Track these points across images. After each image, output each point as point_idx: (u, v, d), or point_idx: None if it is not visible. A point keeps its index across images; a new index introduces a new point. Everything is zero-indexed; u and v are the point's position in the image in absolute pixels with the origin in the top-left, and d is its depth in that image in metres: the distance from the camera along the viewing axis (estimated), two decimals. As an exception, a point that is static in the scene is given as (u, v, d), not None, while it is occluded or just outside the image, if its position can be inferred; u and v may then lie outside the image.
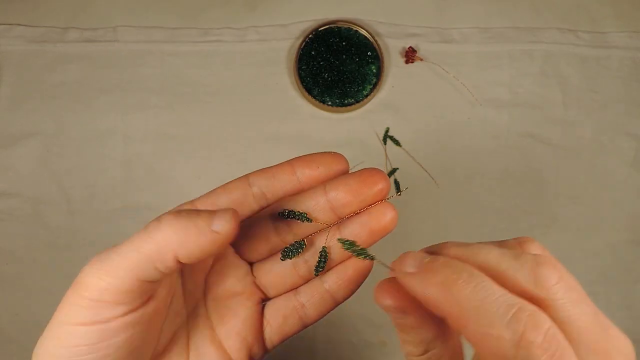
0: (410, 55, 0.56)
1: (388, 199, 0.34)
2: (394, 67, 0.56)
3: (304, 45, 0.55)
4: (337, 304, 0.33)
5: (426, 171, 0.55)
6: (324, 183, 0.32)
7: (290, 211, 0.31)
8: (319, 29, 0.55)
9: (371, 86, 0.55)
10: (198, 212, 0.27)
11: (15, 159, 0.54)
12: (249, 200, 0.31)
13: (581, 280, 0.57)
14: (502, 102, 0.56)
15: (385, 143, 0.56)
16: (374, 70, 0.55)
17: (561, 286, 0.25)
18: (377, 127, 0.56)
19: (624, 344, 0.26)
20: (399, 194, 0.56)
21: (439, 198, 0.55)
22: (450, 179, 0.55)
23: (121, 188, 0.54)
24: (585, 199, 0.55)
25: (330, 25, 0.55)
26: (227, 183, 0.32)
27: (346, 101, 0.55)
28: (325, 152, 0.32)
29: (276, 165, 0.32)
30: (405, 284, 0.25)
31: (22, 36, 0.56)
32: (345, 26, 0.55)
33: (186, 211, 0.27)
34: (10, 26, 0.56)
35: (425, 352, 0.27)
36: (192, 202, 0.31)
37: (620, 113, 0.56)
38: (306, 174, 0.31)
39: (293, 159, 0.32)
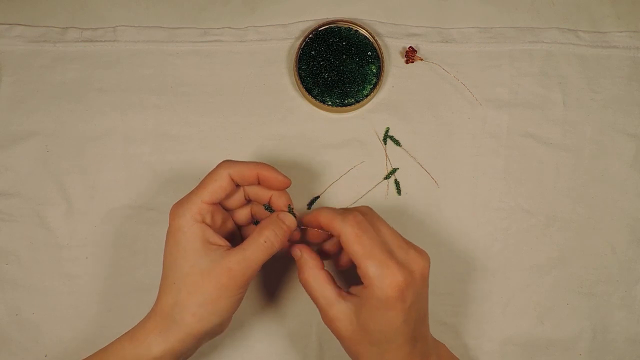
0: (410, 55, 0.56)
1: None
2: (394, 67, 0.56)
3: (304, 45, 0.55)
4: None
5: (426, 171, 0.55)
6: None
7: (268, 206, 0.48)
8: (319, 29, 0.55)
9: (371, 86, 0.55)
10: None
11: (15, 159, 0.54)
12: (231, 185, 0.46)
13: (581, 280, 0.57)
14: (502, 102, 0.56)
15: (385, 143, 0.56)
16: (374, 70, 0.55)
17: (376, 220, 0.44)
18: (377, 127, 0.56)
19: (419, 261, 0.43)
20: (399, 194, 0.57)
21: (439, 198, 0.55)
22: (450, 179, 0.55)
23: (121, 188, 0.54)
24: (585, 199, 0.55)
25: (330, 25, 0.55)
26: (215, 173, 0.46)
27: (346, 101, 0.55)
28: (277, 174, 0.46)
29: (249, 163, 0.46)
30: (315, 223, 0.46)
31: (22, 36, 0.56)
32: (345, 26, 0.55)
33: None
34: (10, 26, 0.56)
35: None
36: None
37: (620, 113, 0.56)
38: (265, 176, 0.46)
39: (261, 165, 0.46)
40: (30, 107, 0.55)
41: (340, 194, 0.55)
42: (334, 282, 0.45)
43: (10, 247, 0.53)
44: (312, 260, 0.45)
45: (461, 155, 0.55)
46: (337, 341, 0.53)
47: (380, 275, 0.41)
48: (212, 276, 0.43)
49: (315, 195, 0.55)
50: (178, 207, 0.45)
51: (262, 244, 0.44)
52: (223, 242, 0.45)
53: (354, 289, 0.44)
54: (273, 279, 0.54)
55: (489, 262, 0.54)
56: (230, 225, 0.49)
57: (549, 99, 0.56)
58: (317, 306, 0.45)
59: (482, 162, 0.55)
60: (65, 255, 0.53)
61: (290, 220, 0.46)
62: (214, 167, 0.46)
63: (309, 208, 0.54)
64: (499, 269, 0.54)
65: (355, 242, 0.42)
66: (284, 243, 0.46)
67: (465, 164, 0.55)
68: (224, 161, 0.46)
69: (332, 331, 0.45)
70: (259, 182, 0.47)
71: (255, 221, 0.49)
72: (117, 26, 0.56)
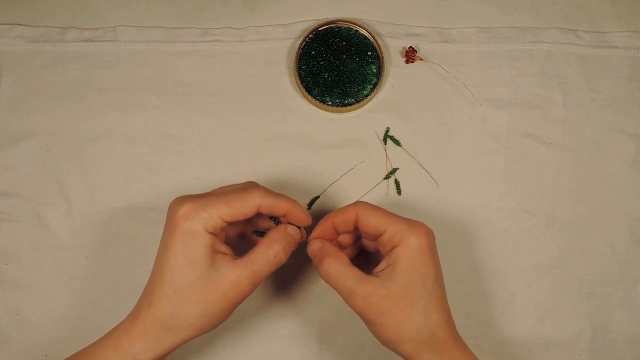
0: (410, 55, 0.56)
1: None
2: (394, 67, 0.56)
3: (304, 45, 0.55)
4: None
5: (426, 171, 0.55)
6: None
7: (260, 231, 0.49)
8: (319, 29, 0.55)
9: (371, 86, 0.55)
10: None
11: (15, 159, 0.54)
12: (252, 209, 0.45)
13: (581, 280, 0.57)
14: (502, 102, 0.56)
15: (385, 143, 0.56)
16: (374, 70, 0.55)
17: (365, 209, 0.46)
18: (377, 127, 0.56)
19: (416, 231, 0.44)
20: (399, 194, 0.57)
21: (439, 198, 0.55)
22: (450, 179, 0.55)
23: (121, 188, 0.54)
24: (585, 199, 0.55)
25: (330, 25, 0.55)
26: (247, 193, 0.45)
27: (346, 101, 0.55)
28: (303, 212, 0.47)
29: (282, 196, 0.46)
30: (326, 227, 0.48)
31: (22, 36, 0.56)
32: (345, 26, 0.55)
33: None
34: (10, 26, 0.56)
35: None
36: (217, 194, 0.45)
37: (620, 113, 0.56)
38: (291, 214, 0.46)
39: (292, 203, 0.46)
40: (30, 107, 0.55)
41: (340, 194, 0.55)
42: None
43: (10, 247, 0.53)
44: (332, 247, 0.46)
45: (461, 155, 0.55)
46: (337, 341, 0.53)
47: (410, 227, 0.44)
48: (219, 289, 0.42)
49: (315, 196, 0.55)
50: (192, 211, 0.43)
51: (271, 259, 0.44)
52: (228, 250, 0.44)
53: (378, 268, 0.45)
54: (273, 279, 0.54)
55: (489, 262, 0.54)
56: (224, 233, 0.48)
57: (549, 99, 0.56)
58: (344, 292, 0.44)
59: (482, 162, 0.55)
60: (65, 255, 0.53)
61: (297, 235, 0.47)
62: (245, 186, 0.45)
63: (309, 208, 0.54)
64: (498, 269, 0.54)
65: (374, 214, 0.45)
66: (288, 257, 0.46)
67: (465, 164, 0.55)
68: (255, 187, 0.45)
69: (364, 314, 0.43)
70: (283, 215, 0.46)
71: (254, 230, 0.49)
72: (117, 26, 0.56)
